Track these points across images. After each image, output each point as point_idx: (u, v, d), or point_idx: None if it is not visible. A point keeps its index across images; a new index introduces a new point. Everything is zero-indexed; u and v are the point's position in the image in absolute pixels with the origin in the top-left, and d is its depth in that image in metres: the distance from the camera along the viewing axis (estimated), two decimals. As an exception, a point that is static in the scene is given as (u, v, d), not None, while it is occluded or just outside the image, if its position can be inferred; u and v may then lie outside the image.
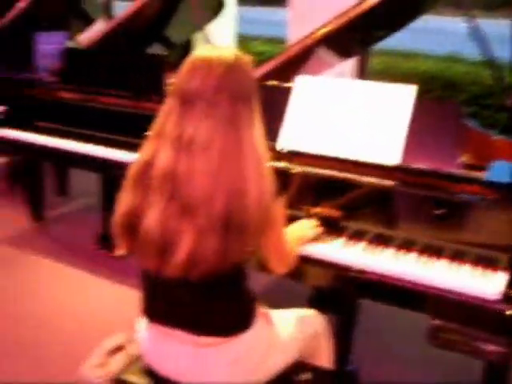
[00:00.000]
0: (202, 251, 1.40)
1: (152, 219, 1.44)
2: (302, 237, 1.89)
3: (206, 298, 1.52)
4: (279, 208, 1.57)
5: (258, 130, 1.51)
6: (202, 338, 1.52)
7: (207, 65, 1.45)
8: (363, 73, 4.00)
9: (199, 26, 3.96)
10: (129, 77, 3.37)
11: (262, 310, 1.68)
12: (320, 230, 1.96)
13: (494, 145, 2.18)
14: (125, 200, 1.52)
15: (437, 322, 1.67)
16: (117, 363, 1.78)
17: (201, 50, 1.51)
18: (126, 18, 3.74)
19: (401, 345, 2.71)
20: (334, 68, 3.31)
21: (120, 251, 1.60)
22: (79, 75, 3.59)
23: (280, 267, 1.69)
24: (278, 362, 1.64)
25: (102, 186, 3.65)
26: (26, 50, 4.21)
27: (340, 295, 2.30)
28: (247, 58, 1.53)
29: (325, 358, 1.86)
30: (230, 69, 1.45)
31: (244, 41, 7.45)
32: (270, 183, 1.48)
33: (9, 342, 2.69)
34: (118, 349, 1.85)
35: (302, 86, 2.20)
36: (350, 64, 4.00)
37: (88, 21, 5.40)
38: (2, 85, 3.90)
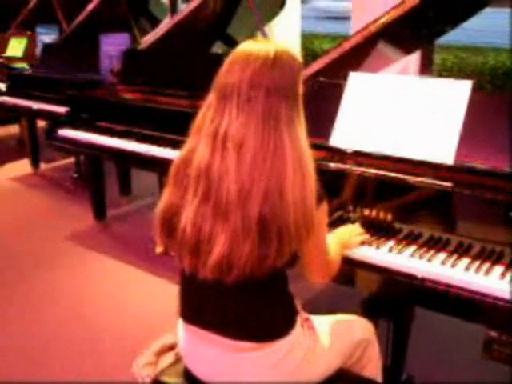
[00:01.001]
0: (237, 255, 1.35)
1: (187, 219, 1.40)
2: (347, 244, 1.79)
3: (243, 302, 1.47)
4: (323, 212, 1.49)
5: (300, 127, 1.42)
6: (238, 342, 1.47)
7: (245, 59, 1.39)
8: (427, 69, 3.84)
9: (262, 23, 3.91)
10: (188, 76, 3.37)
11: (303, 315, 1.62)
12: (366, 236, 1.87)
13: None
14: (165, 197, 1.50)
15: (492, 333, 1.56)
16: (166, 363, 1.77)
17: (244, 44, 1.45)
18: (184, 18, 3.75)
19: (457, 355, 2.57)
20: (396, 64, 3.21)
21: (159, 249, 1.58)
22: (139, 76, 3.64)
23: (319, 276, 1.61)
24: (319, 370, 1.56)
25: (160, 186, 3.67)
26: (92, 51, 4.32)
27: (394, 301, 2.20)
28: (290, 53, 1.44)
29: (372, 368, 1.76)
30: (268, 63, 1.38)
31: (309, 38, 7.36)
32: (313, 184, 1.40)
33: (65, 338, 2.74)
34: (168, 348, 1.84)
35: (355, 83, 2.12)
36: (414, 60, 3.86)
37: (155, 22, 5.49)
38: (66, 86, 4.00)
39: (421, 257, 1.76)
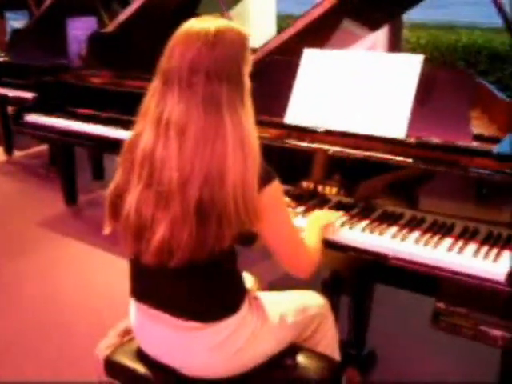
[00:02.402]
0: (177, 240, 1.34)
1: (130, 203, 1.40)
2: (324, 227, 1.73)
3: (186, 285, 1.47)
4: (274, 192, 1.44)
5: (243, 109, 1.39)
6: (183, 321, 1.47)
7: (185, 41, 1.36)
8: (395, 46, 3.84)
9: (232, 2, 3.87)
10: (158, 58, 3.33)
11: (252, 294, 1.62)
12: (340, 214, 1.83)
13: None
14: (115, 178, 1.49)
15: (439, 304, 1.57)
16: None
17: (186, 24, 1.40)
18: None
19: (416, 327, 2.58)
20: (363, 42, 3.19)
21: (106, 230, 1.57)
22: (106, 59, 3.60)
23: (296, 270, 1.56)
24: (266, 348, 1.56)
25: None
26: (60, 36, 4.26)
27: (356, 278, 2.21)
28: (234, 31, 1.39)
29: (326, 343, 1.76)
30: (208, 44, 1.34)
31: (285, 20, 7.32)
32: (255, 166, 1.37)
33: (35, 325, 2.73)
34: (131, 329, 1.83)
35: (309, 60, 2.11)
36: (382, 38, 3.86)
37: (127, 5, 5.41)
38: (33, 71, 3.95)
39: (372, 231, 1.76)
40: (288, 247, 1.53)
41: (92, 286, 3.07)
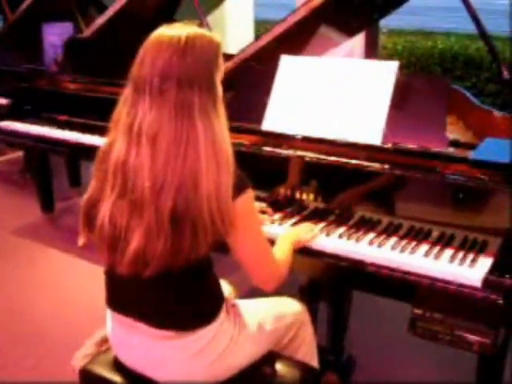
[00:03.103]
0: (151, 249, 1.33)
1: (104, 213, 1.38)
2: (296, 242, 1.72)
3: (162, 294, 1.46)
4: (246, 201, 1.43)
5: (216, 116, 1.38)
6: (160, 330, 1.46)
7: (156, 48, 1.35)
8: (372, 53, 3.87)
9: (209, 8, 3.85)
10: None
11: (229, 302, 1.62)
12: (316, 232, 1.80)
13: (496, 121, 2.07)
14: (89, 188, 1.47)
15: (416, 310, 1.57)
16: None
17: (158, 31, 1.39)
18: (128, 3, 3.65)
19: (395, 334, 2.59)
20: (340, 48, 3.21)
21: (80, 242, 1.55)
22: (82, 65, 3.57)
23: (262, 282, 1.54)
24: (245, 356, 1.56)
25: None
26: (36, 41, 4.21)
27: (334, 285, 2.21)
28: (205, 38, 1.39)
29: (305, 350, 1.76)
30: (179, 52, 1.33)
31: (263, 25, 7.33)
32: (228, 173, 1.36)
33: (9, 329, 2.70)
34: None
35: (286, 66, 2.11)
36: (359, 44, 3.88)
37: (104, 11, 5.38)
38: (7, 77, 3.90)
39: (349, 237, 1.77)
40: (256, 257, 1.52)
41: (69, 294, 3.03)
